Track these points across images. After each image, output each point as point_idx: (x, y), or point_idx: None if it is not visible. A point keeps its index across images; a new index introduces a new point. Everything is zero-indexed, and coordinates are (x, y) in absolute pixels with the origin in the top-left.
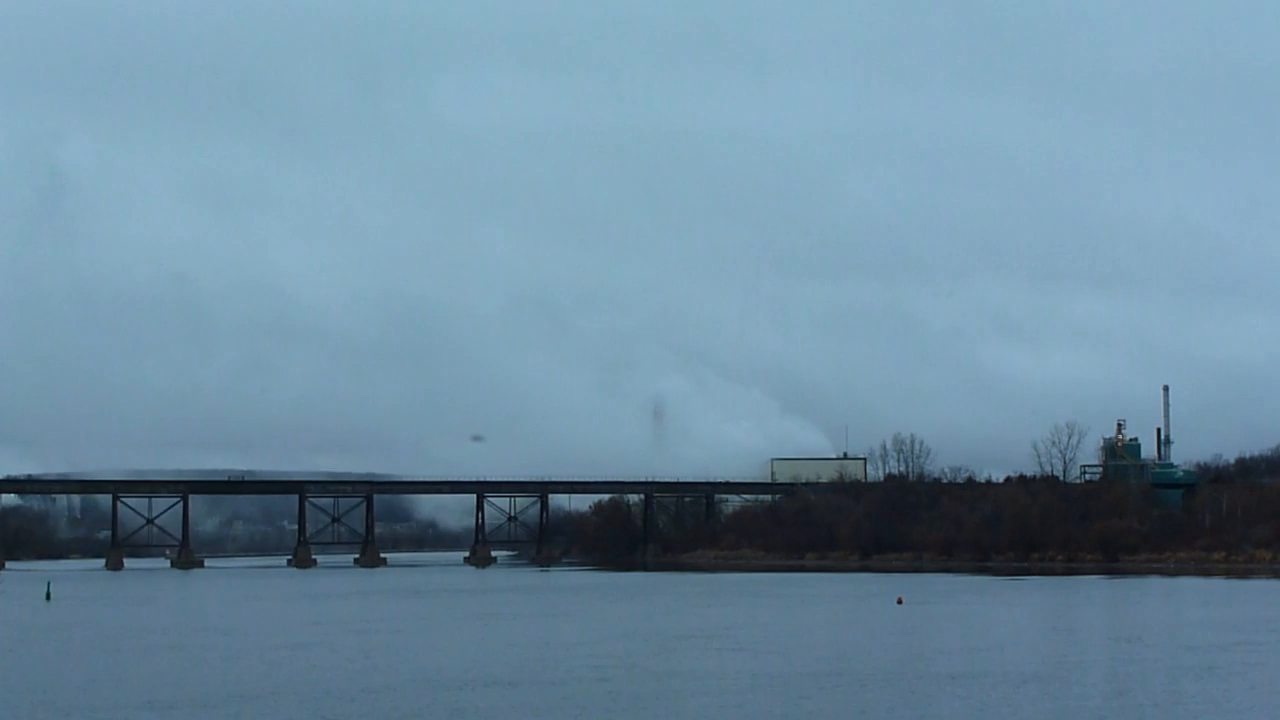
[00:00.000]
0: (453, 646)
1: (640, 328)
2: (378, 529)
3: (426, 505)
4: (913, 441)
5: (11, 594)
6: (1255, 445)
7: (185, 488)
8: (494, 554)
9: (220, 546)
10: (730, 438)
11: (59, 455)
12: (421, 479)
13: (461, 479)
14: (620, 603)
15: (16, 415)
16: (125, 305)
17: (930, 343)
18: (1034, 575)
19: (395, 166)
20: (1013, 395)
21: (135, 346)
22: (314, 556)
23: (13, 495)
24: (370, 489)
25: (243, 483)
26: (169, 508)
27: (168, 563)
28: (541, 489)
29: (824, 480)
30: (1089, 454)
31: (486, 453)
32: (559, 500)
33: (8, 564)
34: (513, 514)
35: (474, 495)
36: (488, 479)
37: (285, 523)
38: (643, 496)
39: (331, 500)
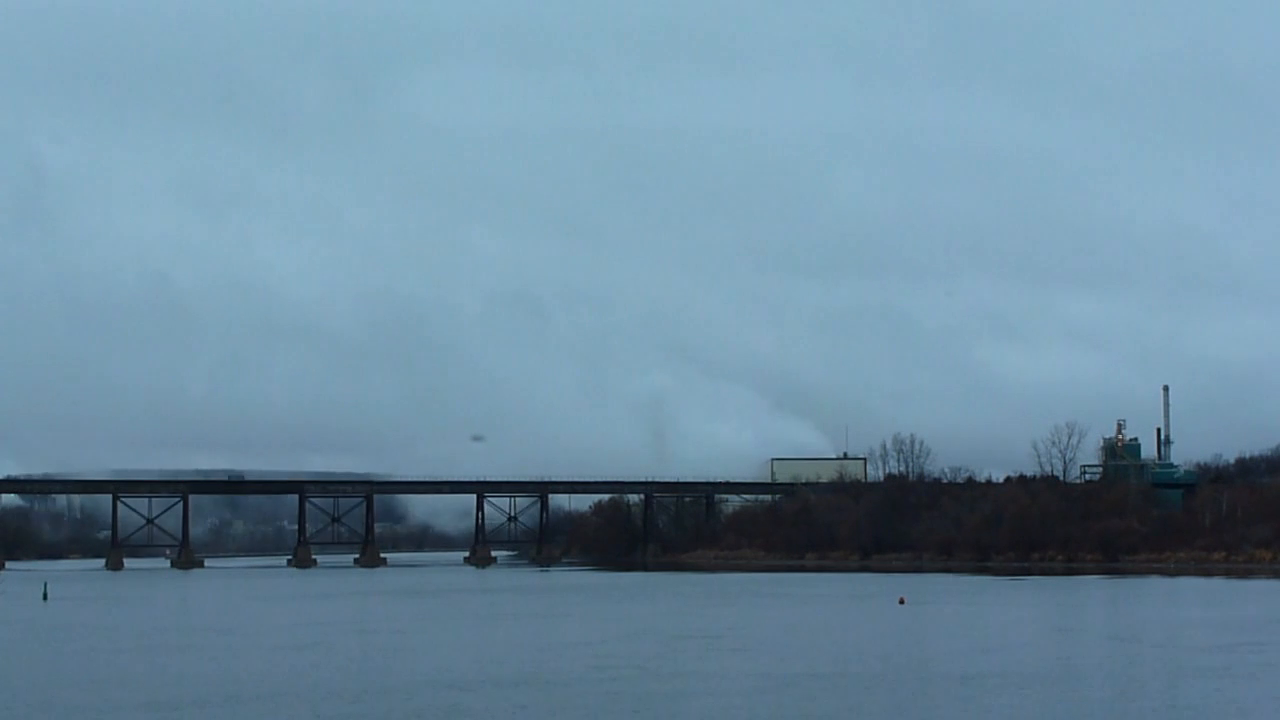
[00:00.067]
0: (455, 647)
1: (632, 327)
2: (377, 529)
3: (424, 509)
4: (913, 441)
5: (11, 594)
6: (1255, 445)
7: (185, 488)
8: (494, 554)
9: (220, 546)
10: (728, 438)
11: (58, 455)
12: (421, 479)
13: (461, 479)
14: (621, 603)
15: (13, 415)
16: (111, 305)
17: (924, 342)
18: (1034, 575)
19: (380, 165)
20: (1009, 395)
21: (127, 346)
22: (314, 556)
23: (13, 495)
24: (370, 489)
25: (243, 483)
26: (169, 508)
27: (167, 563)
28: (541, 489)
29: (824, 480)
30: (1089, 454)
31: (486, 453)
32: (559, 500)
33: (7, 564)
34: (513, 514)
35: (474, 495)
36: (488, 479)
37: (285, 523)
38: (643, 496)
39: (331, 500)
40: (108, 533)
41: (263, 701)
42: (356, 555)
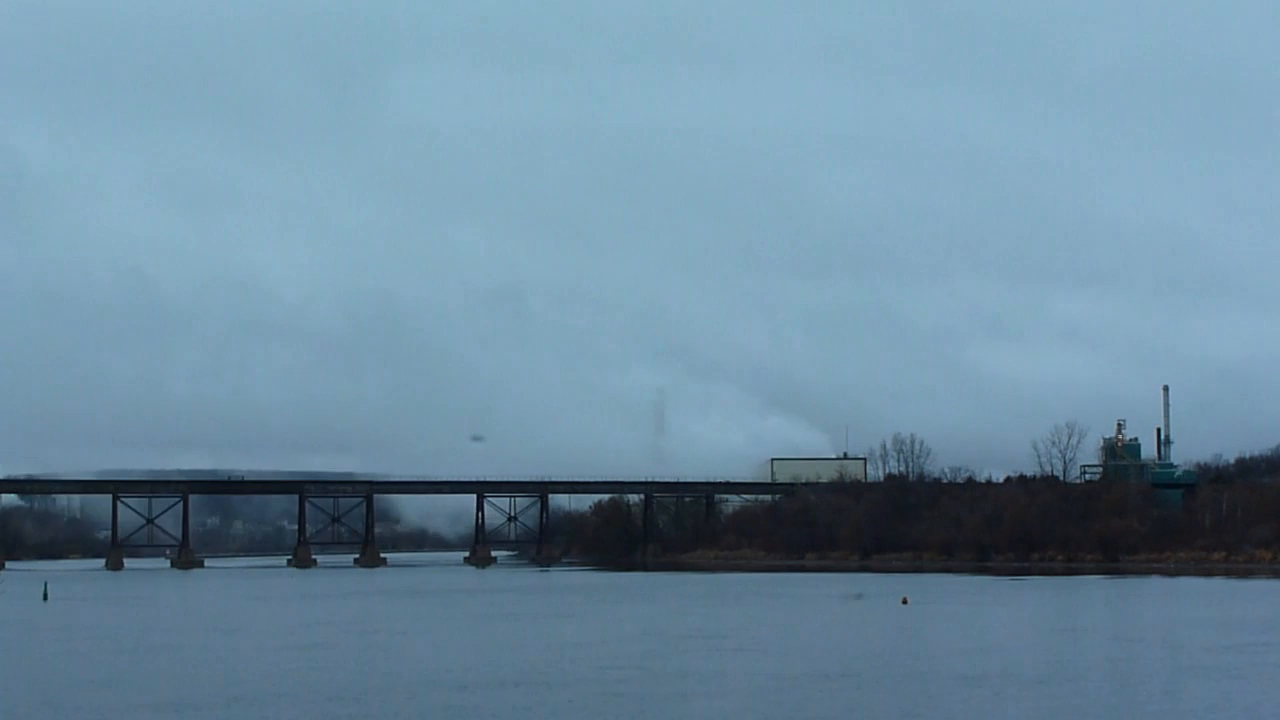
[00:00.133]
0: (457, 647)
1: (625, 326)
2: (377, 529)
3: (422, 513)
4: (913, 441)
5: (11, 595)
6: (1255, 445)
7: (185, 488)
8: (494, 554)
9: (220, 546)
10: (724, 437)
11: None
12: (421, 479)
13: (461, 479)
14: (622, 603)
15: (12, 416)
16: (99, 305)
17: (918, 342)
18: (1034, 575)
19: (366, 164)
20: (1006, 395)
21: (123, 347)
22: (314, 556)
23: (13, 495)
24: (370, 489)
25: (243, 483)
26: (169, 508)
27: (167, 563)
28: (541, 489)
29: (824, 480)
30: (1089, 454)
31: (485, 452)
32: (559, 500)
33: (7, 564)
34: (513, 514)
35: (474, 495)
36: (488, 479)
37: (285, 523)
38: (643, 496)
39: (331, 500)
40: (108, 533)
41: (266, 702)
42: (356, 555)
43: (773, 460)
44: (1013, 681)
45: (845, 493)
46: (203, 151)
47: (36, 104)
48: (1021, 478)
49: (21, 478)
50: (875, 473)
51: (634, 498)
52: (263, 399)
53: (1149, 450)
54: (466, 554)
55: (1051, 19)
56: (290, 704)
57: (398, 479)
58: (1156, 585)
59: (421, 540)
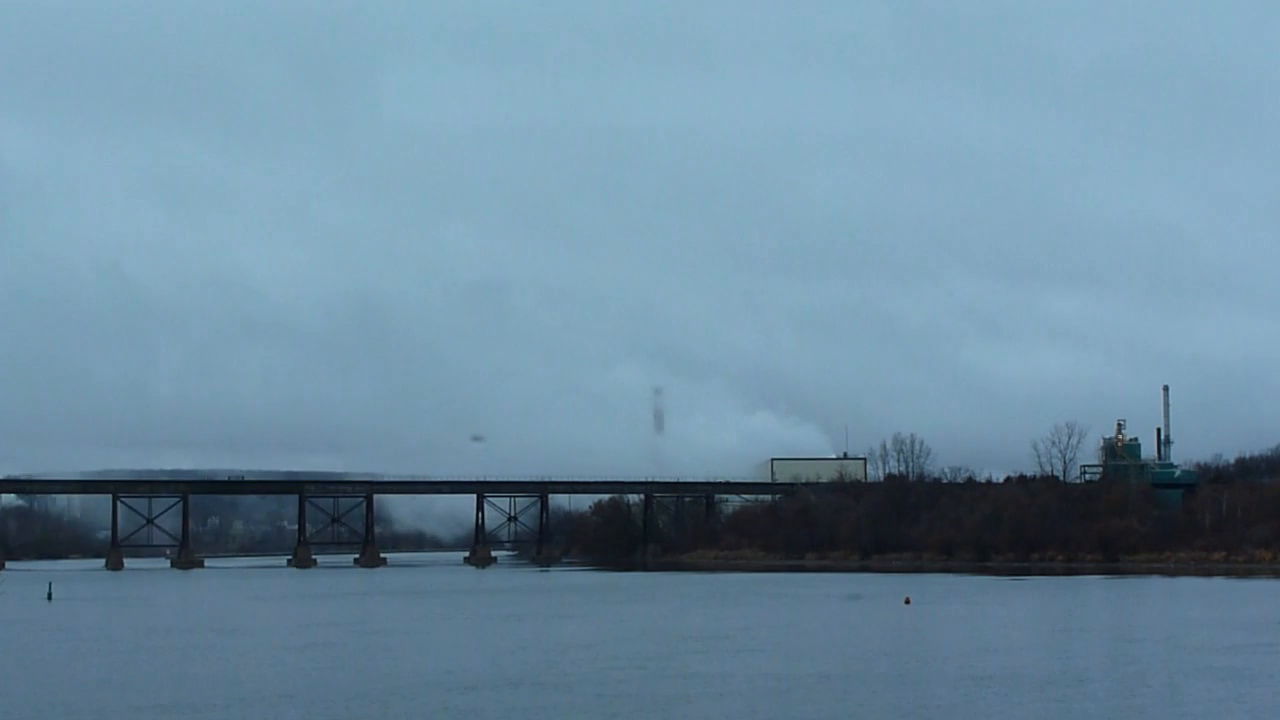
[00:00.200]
0: (459, 648)
1: (615, 326)
2: (376, 529)
3: (422, 514)
4: (913, 441)
5: (12, 594)
6: (1255, 445)
7: (185, 488)
8: (494, 554)
9: (220, 546)
10: (720, 437)
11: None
12: (421, 479)
13: (461, 479)
14: (624, 603)
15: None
16: (82, 304)
17: (911, 341)
18: (1034, 575)
19: (352, 163)
20: (1002, 395)
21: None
22: (314, 556)
23: (12, 495)
24: (370, 489)
25: (243, 483)
26: (169, 508)
27: (168, 563)
28: (541, 489)
29: (824, 480)
30: (1089, 454)
31: (482, 452)
32: (559, 500)
33: (8, 564)
34: (513, 514)
35: (474, 495)
36: (488, 479)
37: (285, 523)
38: (643, 496)
39: (331, 500)
40: (108, 533)
41: (269, 703)
42: (356, 555)
43: (773, 460)
44: (1019, 682)
45: (845, 493)
46: (188, 151)
47: (19, 102)
48: (1021, 478)
49: (21, 478)
50: (875, 473)
51: (634, 498)
52: (258, 399)
53: (1149, 450)
54: (466, 554)
55: (1038, 17)
56: (293, 705)
57: (398, 479)
58: (1157, 585)
59: (421, 540)
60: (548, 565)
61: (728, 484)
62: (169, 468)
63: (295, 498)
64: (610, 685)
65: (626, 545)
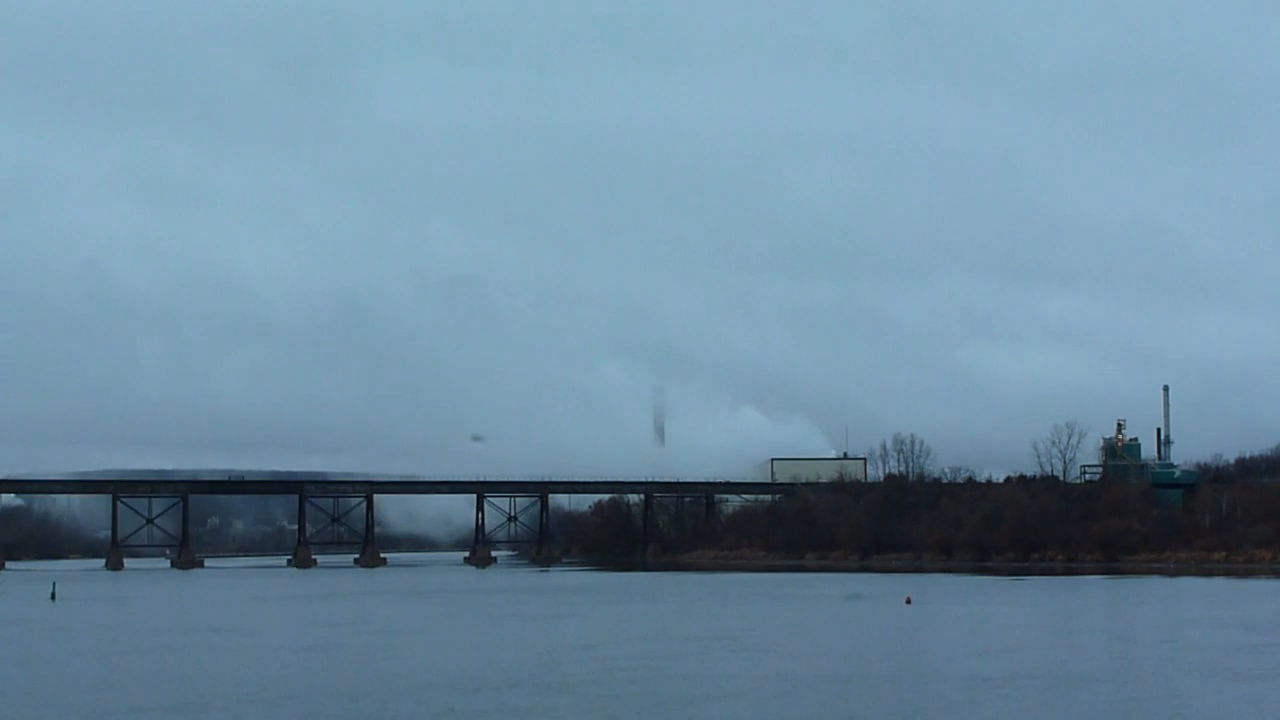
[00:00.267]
0: (462, 648)
1: (606, 326)
2: (376, 530)
3: (421, 514)
4: (913, 441)
5: (13, 594)
6: (1255, 445)
7: (185, 488)
8: (494, 554)
9: (220, 546)
10: (719, 437)
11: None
12: (421, 479)
13: (461, 479)
14: (625, 604)
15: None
16: (66, 304)
17: (904, 341)
18: (1034, 575)
19: (335, 162)
20: (999, 395)
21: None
22: (314, 556)
23: (12, 495)
24: (370, 489)
25: (243, 483)
26: (169, 508)
27: (167, 563)
28: (541, 489)
29: (824, 480)
30: (1089, 454)
31: (481, 453)
32: (559, 500)
33: (8, 564)
34: (513, 514)
35: (474, 495)
36: (488, 479)
37: (285, 523)
38: (643, 496)
39: (331, 500)
40: (108, 533)
41: (272, 704)
42: (356, 555)
43: (773, 460)
44: (1021, 683)
45: (845, 493)
46: (172, 149)
47: (2, 102)
48: (1021, 478)
49: (21, 478)
50: (875, 473)
51: (634, 498)
52: (258, 399)
53: (1149, 450)
54: (466, 554)
55: (1027, 16)
56: (294, 705)
57: (398, 479)
58: (1157, 585)
59: (421, 540)
60: (548, 565)
61: (728, 484)
62: (169, 468)
63: (295, 498)
64: (614, 686)
65: (626, 545)
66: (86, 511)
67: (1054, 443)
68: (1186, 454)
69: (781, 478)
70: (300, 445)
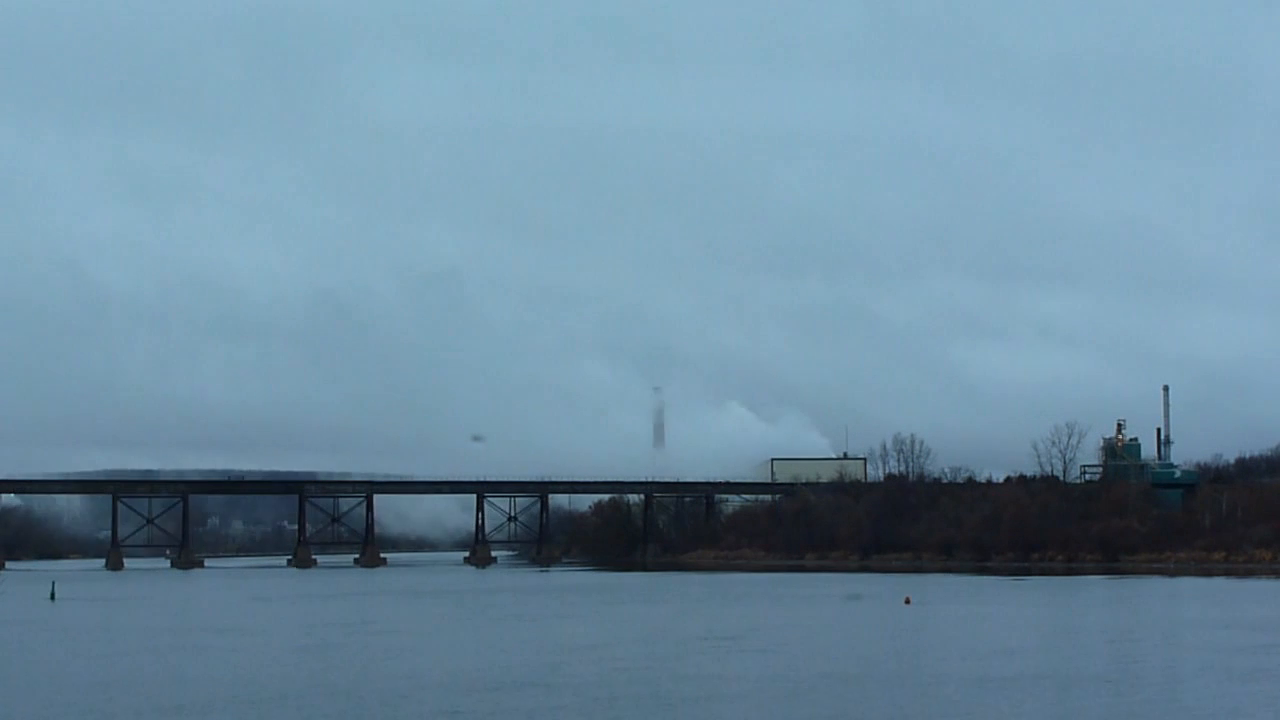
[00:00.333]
0: (464, 649)
1: (598, 325)
2: (376, 530)
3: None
4: (913, 442)
5: (13, 594)
6: (1255, 445)
7: (185, 488)
8: (494, 554)
9: (220, 546)
10: (714, 437)
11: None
12: (421, 479)
13: (461, 479)
14: (627, 604)
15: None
16: (49, 304)
17: (896, 341)
18: (1034, 575)
19: (321, 160)
20: (996, 395)
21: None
22: (314, 556)
23: (12, 495)
24: (370, 489)
25: (243, 483)
26: (169, 508)
27: (168, 563)
28: (541, 489)
29: (824, 480)
30: (1089, 454)
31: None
32: (559, 500)
33: (8, 564)
34: (513, 514)
35: (474, 495)
36: (488, 479)
37: (285, 523)
38: (643, 496)
39: (331, 500)
40: (108, 533)
41: (275, 704)
42: (356, 555)
43: (773, 460)
44: (1023, 683)
45: (845, 493)
46: (156, 147)
47: None
48: (1021, 478)
49: (21, 478)
50: (875, 473)
51: (634, 498)
52: (257, 399)
53: (1149, 450)
54: (466, 554)
55: (1012, 14)
56: (295, 706)
57: (398, 479)
58: (1157, 585)
59: (421, 541)
60: (548, 565)
61: (728, 484)
62: (169, 468)
63: (295, 498)
64: (618, 687)
65: (626, 545)
66: (86, 511)
67: (1054, 443)
68: (1186, 454)
69: (781, 478)
70: (299, 445)
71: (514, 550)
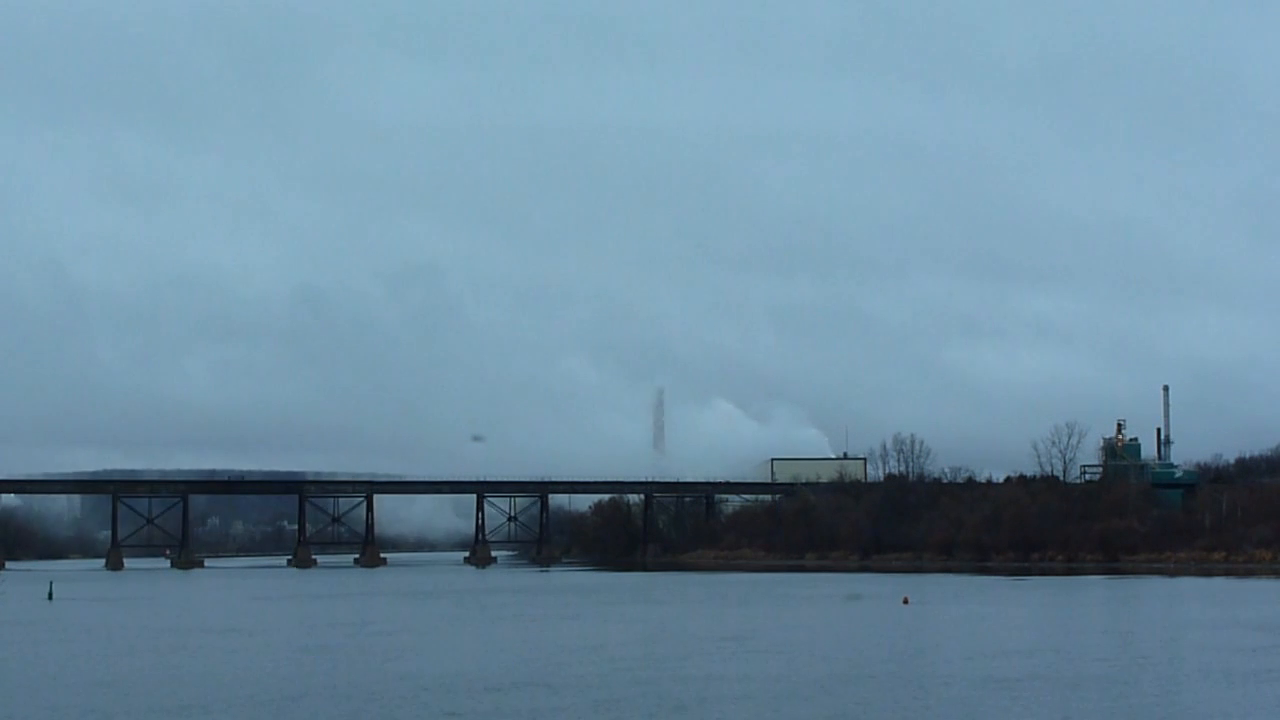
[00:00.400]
0: (467, 649)
1: (590, 325)
2: (376, 529)
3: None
4: (913, 442)
5: (12, 594)
6: (1255, 445)
7: (185, 488)
8: (494, 554)
9: (220, 546)
10: (710, 437)
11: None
12: (421, 479)
13: (462, 479)
14: (629, 604)
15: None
16: (36, 304)
17: (889, 340)
18: (1034, 575)
19: (304, 159)
20: (993, 395)
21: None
22: (314, 556)
23: (12, 495)
24: (370, 489)
25: (243, 483)
26: (169, 508)
27: (168, 563)
28: (541, 489)
29: (824, 480)
30: (1089, 454)
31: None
32: (559, 500)
33: (8, 564)
34: (513, 514)
35: (474, 495)
36: (488, 479)
37: (285, 523)
38: (643, 496)
39: (331, 500)
40: (108, 533)
41: (277, 704)
42: (356, 555)
43: (773, 460)
44: (1025, 683)
45: (845, 493)
46: (139, 145)
47: None
48: (1021, 478)
49: (21, 478)
50: (875, 473)
51: (634, 498)
52: (257, 399)
53: (1149, 450)
54: (466, 554)
55: (997, 12)
56: (296, 707)
57: (398, 479)
58: (1157, 585)
59: (420, 541)
60: (548, 565)
61: (728, 484)
62: (169, 468)
63: (295, 498)
64: (621, 688)
65: (626, 545)
66: (86, 511)
67: (1054, 443)
68: (1186, 454)
69: (781, 478)
70: (299, 445)
71: (514, 550)
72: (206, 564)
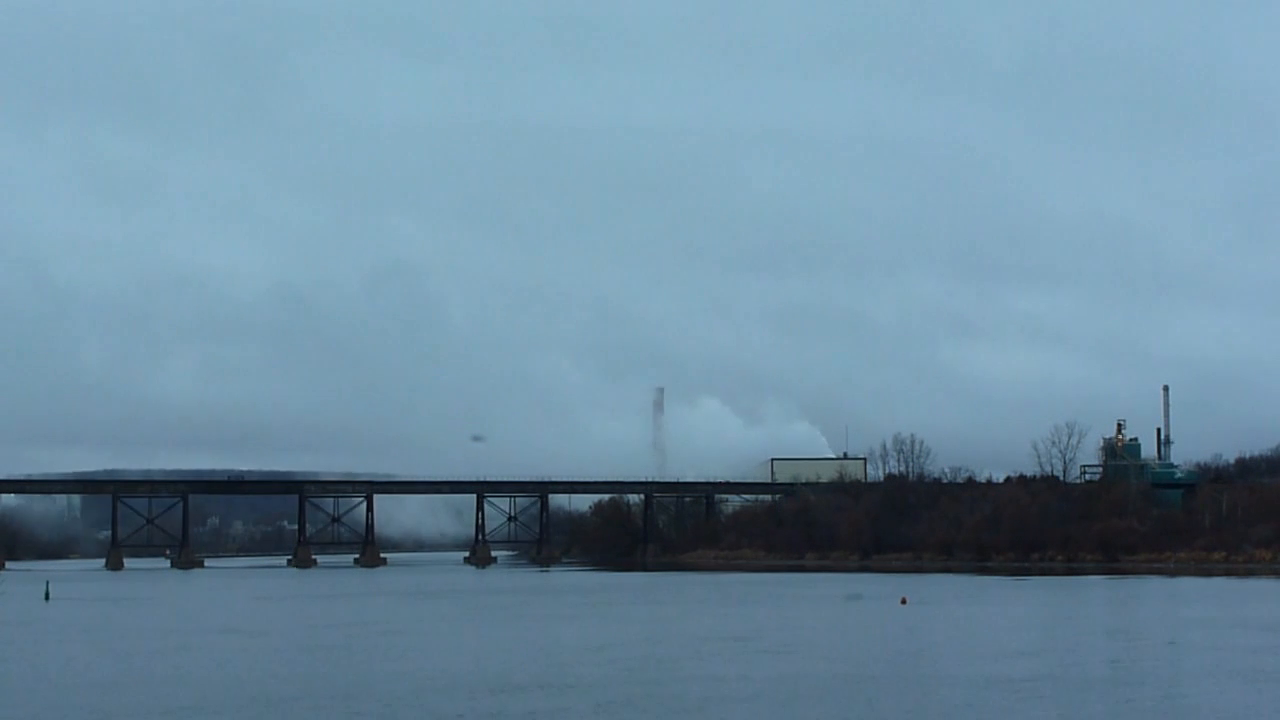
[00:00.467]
0: (468, 650)
1: (581, 325)
2: (376, 529)
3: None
4: (913, 442)
5: (11, 594)
6: (1255, 445)
7: (185, 488)
8: (494, 554)
9: (220, 546)
10: (707, 436)
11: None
12: (421, 479)
13: (461, 479)
14: (629, 604)
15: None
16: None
17: (883, 340)
18: (1034, 575)
19: (287, 158)
20: (985, 394)
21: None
22: (314, 556)
23: (12, 495)
24: (370, 489)
25: (243, 483)
26: (169, 508)
27: (168, 563)
28: (541, 489)
29: (824, 480)
30: (1089, 454)
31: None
32: (559, 500)
33: (8, 564)
34: (512, 514)
35: (474, 495)
36: (488, 479)
37: (285, 523)
38: (643, 496)
39: (331, 500)
40: (108, 533)
41: (277, 705)
42: (356, 555)
43: (773, 460)
44: (1026, 684)
45: (845, 493)
46: (119, 143)
47: None
48: (1021, 478)
49: (21, 478)
50: (875, 473)
51: (634, 498)
52: (256, 399)
53: (1149, 450)
54: (466, 554)
55: (985, 10)
56: (299, 708)
57: (398, 479)
58: (1157, 585)
59: (421, 541)
60: (548, 565)
61: (728, 484)
62: (164, 467)
63: (295, 498)
64: (624, 689)
65: (626, 545)
66: (86, 511)
67: (1054, 443)
68: (1186, 454)
69: (781, 478)
70: (299, 446)
71: (514, 550)
72: (206, 564)
